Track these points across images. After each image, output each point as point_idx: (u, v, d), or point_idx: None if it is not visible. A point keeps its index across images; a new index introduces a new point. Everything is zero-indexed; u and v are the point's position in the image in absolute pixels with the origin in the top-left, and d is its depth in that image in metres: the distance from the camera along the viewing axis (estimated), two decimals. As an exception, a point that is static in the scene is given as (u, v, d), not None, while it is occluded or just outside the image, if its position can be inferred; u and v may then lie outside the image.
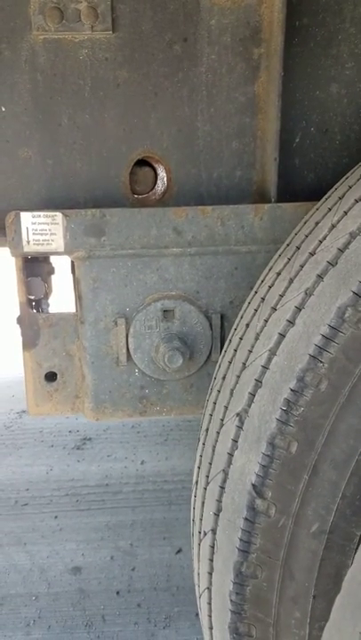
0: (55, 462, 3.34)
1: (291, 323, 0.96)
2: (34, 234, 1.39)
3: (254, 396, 0.99)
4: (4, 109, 1.42)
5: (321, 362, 0.89)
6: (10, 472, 3.24)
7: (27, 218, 1.38)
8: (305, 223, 1.16)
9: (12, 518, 2.86)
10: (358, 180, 1.05)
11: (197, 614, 1.26)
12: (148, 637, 2.20)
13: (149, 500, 2.99)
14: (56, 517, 2.86)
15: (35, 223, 1.38)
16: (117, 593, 2.41)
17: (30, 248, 1.40)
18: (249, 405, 0.99)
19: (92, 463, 3.33)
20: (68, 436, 3.61)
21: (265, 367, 0.98)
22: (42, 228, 1.38)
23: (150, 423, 3.73)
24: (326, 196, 1.16)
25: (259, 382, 0.98)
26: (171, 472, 3.22)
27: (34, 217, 1.38)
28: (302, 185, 1.55)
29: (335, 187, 1.16)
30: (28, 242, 1.39)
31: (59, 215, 1.38)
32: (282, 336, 0.97)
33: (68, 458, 3.39)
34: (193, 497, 1.22)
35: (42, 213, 1.38)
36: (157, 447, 3.47)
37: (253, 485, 0.93)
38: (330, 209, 1.07)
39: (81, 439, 3.59)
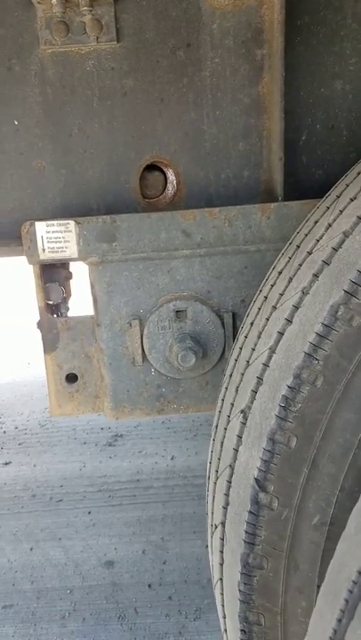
0: (88, 459, 3.42)
1: (289, 321, 0.99)
2: (48, 242, 1.44)
3: (256, 393, 1.02)
4: (17, 123, 1.48)
5: (316, 359, 0.91)
6: (45, 469, 3.35)
7: (41, 227, 1.44)
8: (306, 222, 1.18)
9: (47, 514, 2.96)
10: (355, 178, 1.07)
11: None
12: (179, 629, 2.25)
13: (180, 494, 3.05)
14: (89, 513, 2.94)
15: (49, 232, 1.44)
16: (149, 586, 2.47)
17: (46, 256, 1.46)
18: (252, 402, 1.03)
19: (124, 459, 3.40)
20: (100, 434, 3.70)
21: (266, 365, 1.01)
22: (56, 236, 1.44)
23: (180, 419, 3.78)
24: (326, 196, 1.18)
25: (260, 380, 1.02)
26: (201, 467, 3.26)
27: (48, 225, 1.44)
28: (311, 182, 1.56)
29: (335, 185, 1.18)
30: (44, 250, 1.45)
31: (71, 223, 1.43)
32: (281, 334, 1.00)
33: (101, 454, 3.47)
34: (206, 491, 1.26)
35: (55, 222, 1.44)
36: (187, 442, 3.52)
37: (256, 480, 0.97)
38: (328, 208, 1.09)
39: (112, 436, 3.67)
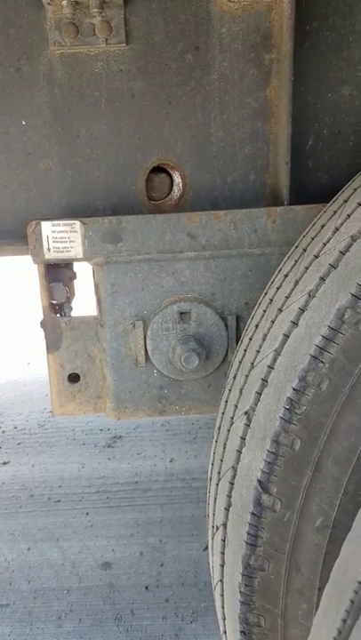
0: (87, 460, 3.42)
1: (295, 324, 0.99)
2: (54, 241, 1.45)
3: (261, 395, 1.02)
4: (24, 123, 1.48)
5: (322, 362, 0.92)
6: (43, 469, 3.34)
7: (47, 227, 1.44)
8: (312, 226, 1.19)
9: (45, 514, 2.95)
10: (362, 183, 1.07)
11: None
12: (176, 631, 2.25)
13: (178, 497, 3.05)
14: (87, 514, 2.94)
15: (55, 231, 1.44)
16: (146, 588, 2.47)
17: (51, 255, 1.46)
18: (256, 404, 1.03)
19: (123, 461, 3.40)
20: (99, 435, 3.70)
21: (270, 367, 1.01)
22: (61, 236, 1.45)
23: (179, 421, 3.78)
24: (333, 200, 1.18)
25: (265, 382, 1.02)
26: (199, 470, 3.27)
27: (53, 225, 1.44)
28: (317, 187, 1.57)
29: (342, 190, 1.18)
30: (49, 249, 1.46)
31: (77, 223, 1.44)
32: (286, 337, 1.00)
33: (99, 456, 3.47)
34: (207, 493, 1.26)
35: (61, 222, 1.44)
36: (186, 445, 3.52)
37: (259, 481, 0.97)
38: (335, 212, 1.09)
39: (111, 437, 3.67)
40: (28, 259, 1.63)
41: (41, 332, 1.58)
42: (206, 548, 2.66)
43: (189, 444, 3.55)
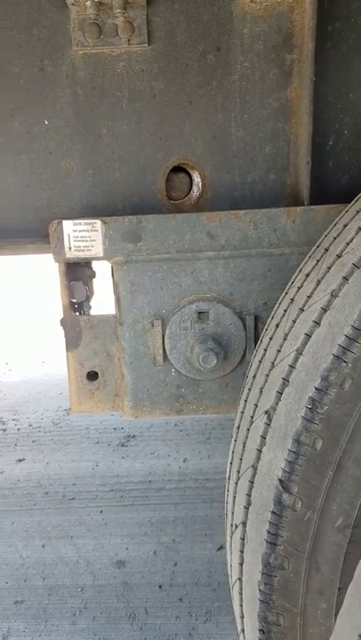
0: (100, 458, 3.44)
1: (317, 323, 0.99)
2: (75, 240, 1.46)
3: (282, 394, 1.02)
4: (47, 123, 1.50)
5: (345, 362, 0.92)
6: (58, 467, 3.36)
7: (68, 225, 1.46)
8: (334, 225, 1.19)
9: (59, 512, 2.97)
10: (385, 183, 1.07)
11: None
12: (190, 631, 2.25)
13: (191, 497, 3.05)
14: (101, 512, 2.95)
15: (76, 230, 1.46)
16: (160, 587, 2.47)
17: (72, 254, 1.48)
18: (277, 403, 1.03)
19: (136, 460, 3.41)
20: (113, 434, 3.71)
21: (292, 366, 1.01)
22: (82, 235, 1.46)
23: (193, 422, 3.79)
24: (356, 199, 1.18)
25: (286, 381, 1.02)
26: (213, 470, 3.27)
27: (75, 224, 1.45)
28: (337, 187, 1.57)
29: (364, 190, 1.18)
30: (70, 248, 1.47)
31: (98, 222, 1.45)
32: (308, 336, 1.00)
33: (113, 454, 3.48)
34: (226, 491, 1.26)
35: (82, 221, 1.45)
36: (200, 445, 3.53)
37: (280, 480, 0.97)
38: (358, 212, 1.09)
39: (125, 436, 3.68)
40: (44, 258, 1.64)
41: (56, 331, 1.60)
42: (220, 548, 2.67)
43: (203, 445, 3.55)
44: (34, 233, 1.55)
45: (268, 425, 1.04)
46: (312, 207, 1.45)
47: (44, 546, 2.73)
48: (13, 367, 5.02)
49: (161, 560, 2.61)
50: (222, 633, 2.23)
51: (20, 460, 3.46)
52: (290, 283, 1.25)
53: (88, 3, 1.37)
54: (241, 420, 1.21)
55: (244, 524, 1.09)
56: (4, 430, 3.87)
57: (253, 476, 1.06)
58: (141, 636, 2.23)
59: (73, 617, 2.34)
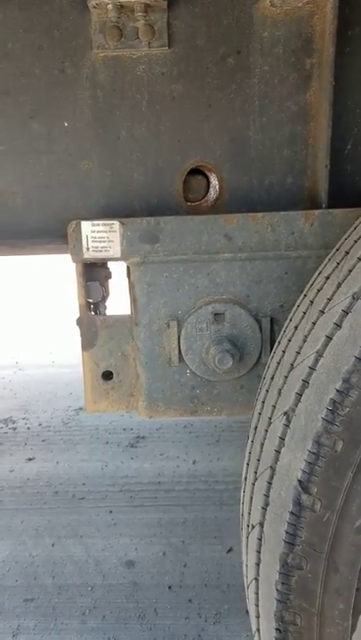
0: (110, 459, 3.45)
1: (338, 326, 1.00)
2: (93, 241, 1.48)
3: (301, 395, 1.03)
4: (67, 124, 1.51)
5: (366, 364, 0.92)
6: (67, 467, 3.38)
7: (87, 226, 1.47)
8: (355, 229, 1.19)
9: (69, 511, 2.98)
10: None
11: (248, 611, 1.31)
12: (199, 632, 2.25)
13: (201, 499, 3.05)
14: (111, 512, 2.96)
15: (94, 231, 1.47)
16: (169, 588, 2.47)
17: (90, 254, 1.49)
18: (296, 405, 1.04)
19: (146, 461, 3.42)
20: (123, 434, 3.72)
21: (312, 368, 1.02)
22: (100, 236, 1.47)
23: (202, 424, 3.79)
24: (375, 203, 1.19)
25: (306, 383, 1.03)
26: (222, 473, 3.27)
27: (93, 225, 1.47)
28: (355, 191, 1.57)
29: (384, 193, 1.19)
30: (88, 249, 1.48)
31: (116, 223, 1.46)
32: (329, 338, 1.01)
33: (123, 455, 3.49)
34: (242, 492, 1.27)
35: (100, 222, 1.47)
36: (209, 447, 3.53)
37: (299, 481, 0.98)
38: (378, 215, 1.10)
39: (135, 437, 3.69)
40: (57, 257, 1.66)
41: (66, 331, 1.61)
42: (229, 550, 2.67)
43: (212, 447, 3.55)
44: (52, 233, 1.57)
45: (286, 426, 1.05)
46: (330, 210, 1.45)
47: (53, 545, 2.75)
48: (24, 366, 5.05)
49: (170, 561, 2.62)
50: (232, 635, 2.23)
51: (29, 460, 3.48)
52: (308, 285, 1.26)
53: (110, 6, 1.39)
54: (258, 421, 1.22)
55: (261, 524, 1.09)
56: (15, 429, 3.90)
57: (272, 476, 1.07)
58: (150, 636, 2.23)
59: (82, 616, 2.35)
